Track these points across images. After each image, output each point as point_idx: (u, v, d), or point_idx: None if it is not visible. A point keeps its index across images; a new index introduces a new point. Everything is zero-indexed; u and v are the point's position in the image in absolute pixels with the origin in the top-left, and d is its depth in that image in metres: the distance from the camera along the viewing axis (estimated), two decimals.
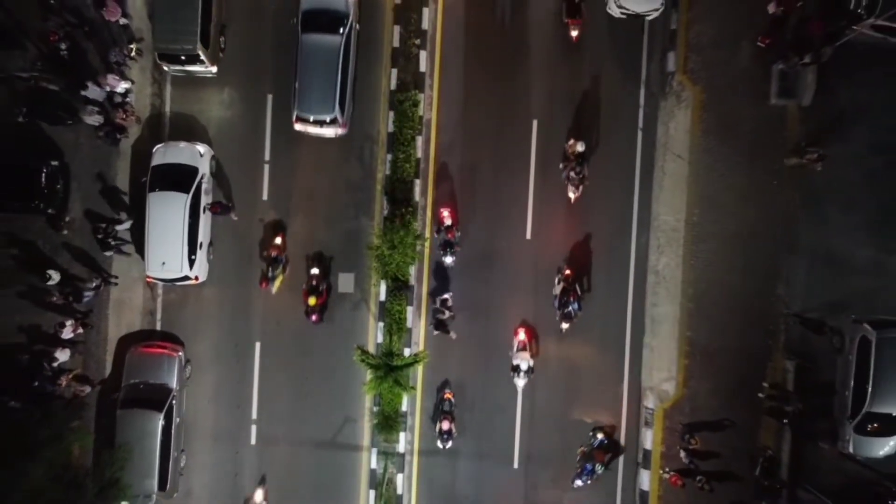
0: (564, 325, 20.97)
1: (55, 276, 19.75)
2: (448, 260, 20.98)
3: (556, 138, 21.45)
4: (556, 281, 21.29)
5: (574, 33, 21.13)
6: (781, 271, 21.57)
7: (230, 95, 21.41)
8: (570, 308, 20.55)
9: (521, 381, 20.78)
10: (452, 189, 21.61)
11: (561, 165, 21.21)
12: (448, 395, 21.24)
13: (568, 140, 20.96)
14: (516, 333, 21.26)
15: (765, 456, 21.28)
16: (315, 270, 20.82)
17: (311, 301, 20.54)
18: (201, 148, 20.54)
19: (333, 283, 21.33)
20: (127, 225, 20.73)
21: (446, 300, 20.75)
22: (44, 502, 15.95)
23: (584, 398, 21.65)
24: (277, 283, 20.73)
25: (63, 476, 17.26)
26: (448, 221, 20.94)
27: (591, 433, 21.55)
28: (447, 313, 20.64)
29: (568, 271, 21.12)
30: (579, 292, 20.78)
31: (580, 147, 20.46)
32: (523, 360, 20.62)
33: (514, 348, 21.09)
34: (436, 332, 20.77)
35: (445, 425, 20.58)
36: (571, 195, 21.06)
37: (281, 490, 21.35)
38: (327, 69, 19.71)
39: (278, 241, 20.96)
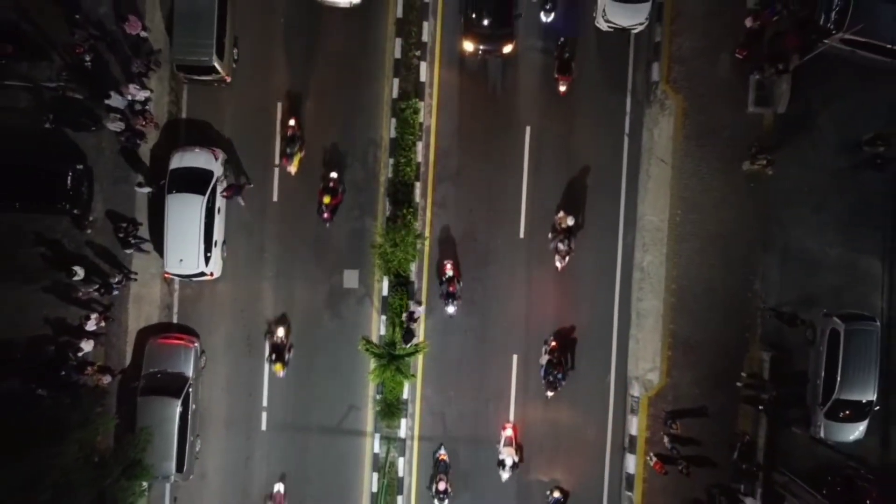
0: (549, 393, 22.11)
1: (80, 272, 20.93)
2: (450, 310, 22.04)
3: (548, 143, 22.92)
4: (543, 351, 22.39)
5: (562, 88, 22.28)
6: (758, 268, 22.91)
7: (243, 103, 22.66)
8: (555, 380, 21.78)
9: (505, 475, 21.73)
10: (455, 245, 22.85)
11: (549, 236, 22.32)
12: (442, 457, 22.35)
13: (558, 212, 22.09)
14: (503, 428, 22.35)
15: (742, 441, 22.47)
16: (334, 174, 21.92)
17: (326, 199, 21.67)
18: (216, 152, 21.86)
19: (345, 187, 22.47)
20: (146, 190, 21.90)
21: (413, 313, 21.81)
22: (75, 479, 17.26)
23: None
24: (296, 160, 21.76)
25: (90, 457, 18.58)
26: (450, 273, 22.04)
27: (547, 492, 22.60)
28: (413, 325, 21.81)
29: (554, 343, 22.24)
30: (565, 365, 22.00)
31: (570, 221, 21.61)
32: (508, 456, 21.65)
33: (501, 443, 22.15)
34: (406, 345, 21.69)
35: (441, 486, 21.60)
36: (558, 265, 22.18)
37: (290, 473, 22.61)
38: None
39: (292, 122, 21.87)
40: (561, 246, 21.83)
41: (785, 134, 22.81)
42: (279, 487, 22.29)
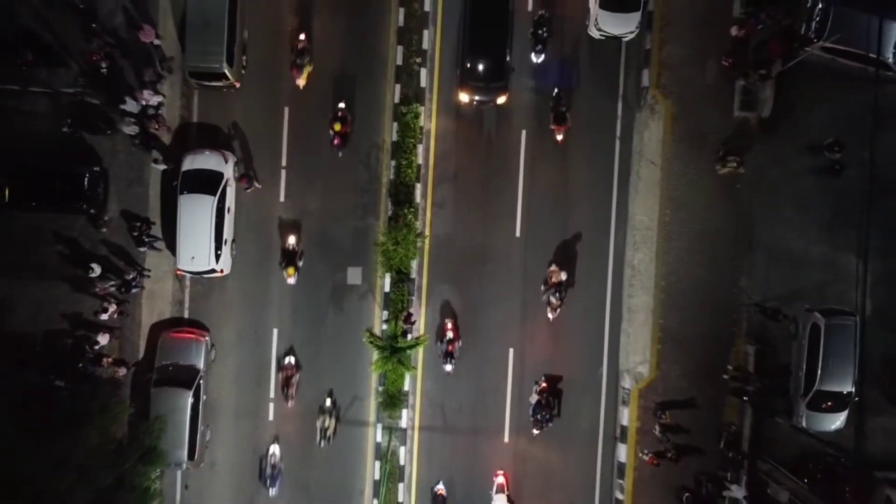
0: (535, 431, 23.13)
1: (97, 269, 21.94)
2: (448, 368, 22.96)
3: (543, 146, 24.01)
4: (534, 391, 23.33)
5: (559, 137, 23.31)
6: (743, 265, 23.97)
7: (251, 108, 23.66)
8: (542, 419, 22.86)
9: None
10: (453, 308, 23.92)
11: (542, 288, 23.39)
12: (441, 492, 23.26)
13: (550, 266, 23.27)
14: (496, 475, 23.29)
15: (728, 431, 23.51)
16: (342, 105, 22.99)
17: (337, 127, 22.72)
18: (226, 155, 22.88)
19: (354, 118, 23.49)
20: (162, 167, 22.99)
21: (410, 315, 23.00)
22: (96, 463, 18.31)
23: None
24: (305, 72, 22.73)
25: (109, 443, 19.62)
26: (450, 335, 23.03)
27: None
28: (408, 326, 22.97)
29: (545, 384, 23.29)
30: (552, 408, 23.14)
31: (563, 276, 22.73)
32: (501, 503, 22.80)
33: (493, 490, 23.08)
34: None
35: None
36: (550, 316, 23.24)
37: (295, 461, 23.60)
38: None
39: (303, 36, 22.88)
40: (553, 299, 22.94)
41: (769, 137, 23.86)
42: (290, 360, 23.26)
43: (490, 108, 23.78)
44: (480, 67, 22.70)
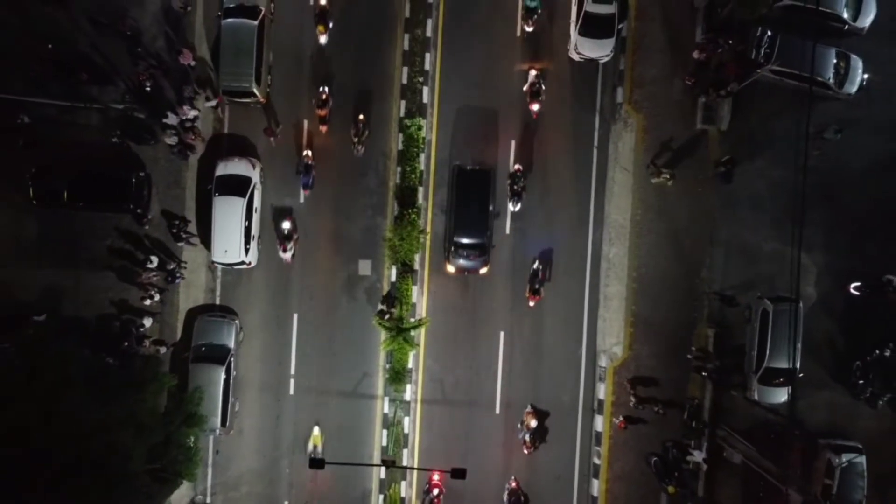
0: (526, 451, 26.25)
1: (154, 261, 25.35)
2: None
3: (529, 151, 27.43)
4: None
5: (531, 304, 26.54)
6: (704, 259, 27.16)
7: (275, 120, 27.12)
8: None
9: None
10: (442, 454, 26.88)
11: (519, 426, 26.64)
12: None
13: (527, 407, 26.67)
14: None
15: (691, 403, 26.60)
16: (325, 88, 25.91)
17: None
18: (253, 162, 26.24)
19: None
20: (212, 103, 26.43)
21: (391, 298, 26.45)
22: (150, 423, 21.75)
23: None
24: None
25: (159, 408, 23.05)
26: (435, 492, 25.67)
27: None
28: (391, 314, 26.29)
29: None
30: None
31: (533, 423, 25.84)
32: None
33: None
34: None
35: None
36: (525, 451, 26.33)
37: (311, 428, 26.80)
38: None
39: (325, 89, 25.88)
40: (527, 438, 26.14)
41: (726, 146, 27.19)
42: (325, 89, 25.84)
43: None
44: (465, 250, 26.21)
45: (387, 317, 26.13)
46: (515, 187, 26.38)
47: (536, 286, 26.30)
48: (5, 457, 18.38)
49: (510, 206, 26.77)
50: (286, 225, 26.17)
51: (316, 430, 26.62)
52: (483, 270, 26.70)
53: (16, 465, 18.44)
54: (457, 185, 26.29)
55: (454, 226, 26.28)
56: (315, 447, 26.40)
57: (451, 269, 26.71)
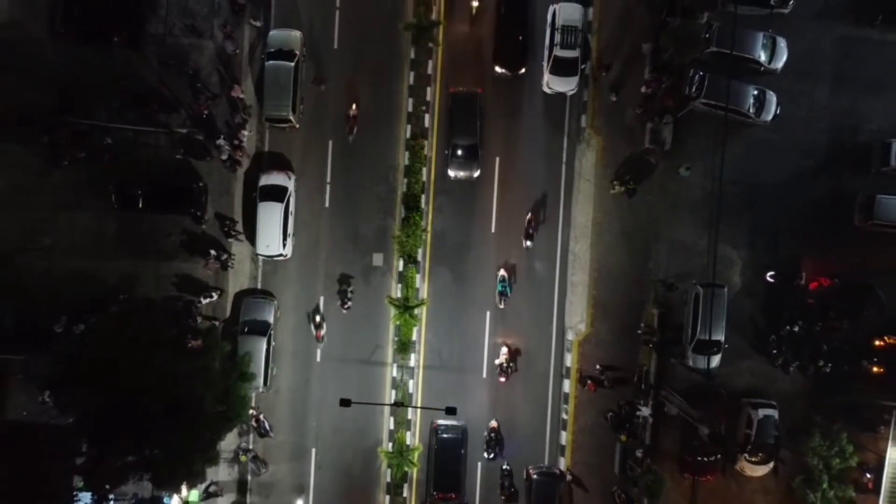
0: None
1: (214, 253, 31.83)
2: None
3: (512, 168, 33.84)
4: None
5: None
6: (651, 253, 33.34)
7: (306, 141, 33.52)
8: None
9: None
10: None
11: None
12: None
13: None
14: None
15: (641, 370, 32.64)
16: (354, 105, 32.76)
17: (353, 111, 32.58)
18: (289, 174, 32.69)
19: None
20: (258, 23, 32.44)
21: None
22: (215, 377, 28.31)
23: None
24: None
25: (218, 366, 29.55)
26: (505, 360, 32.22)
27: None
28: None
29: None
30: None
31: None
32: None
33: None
34: None
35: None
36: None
37: (334, 389, 32.94)
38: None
39: (354, 107, 32.34)
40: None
41: (669, 162, 33.55)
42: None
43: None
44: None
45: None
46: (490, 440, 32.83)
47: (512, 490, 32.52)
48: (119, 405, 24.97)
49: (485, 456, 32.83)
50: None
51: None
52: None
53: (125, 409, 25.04)
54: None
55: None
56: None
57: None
